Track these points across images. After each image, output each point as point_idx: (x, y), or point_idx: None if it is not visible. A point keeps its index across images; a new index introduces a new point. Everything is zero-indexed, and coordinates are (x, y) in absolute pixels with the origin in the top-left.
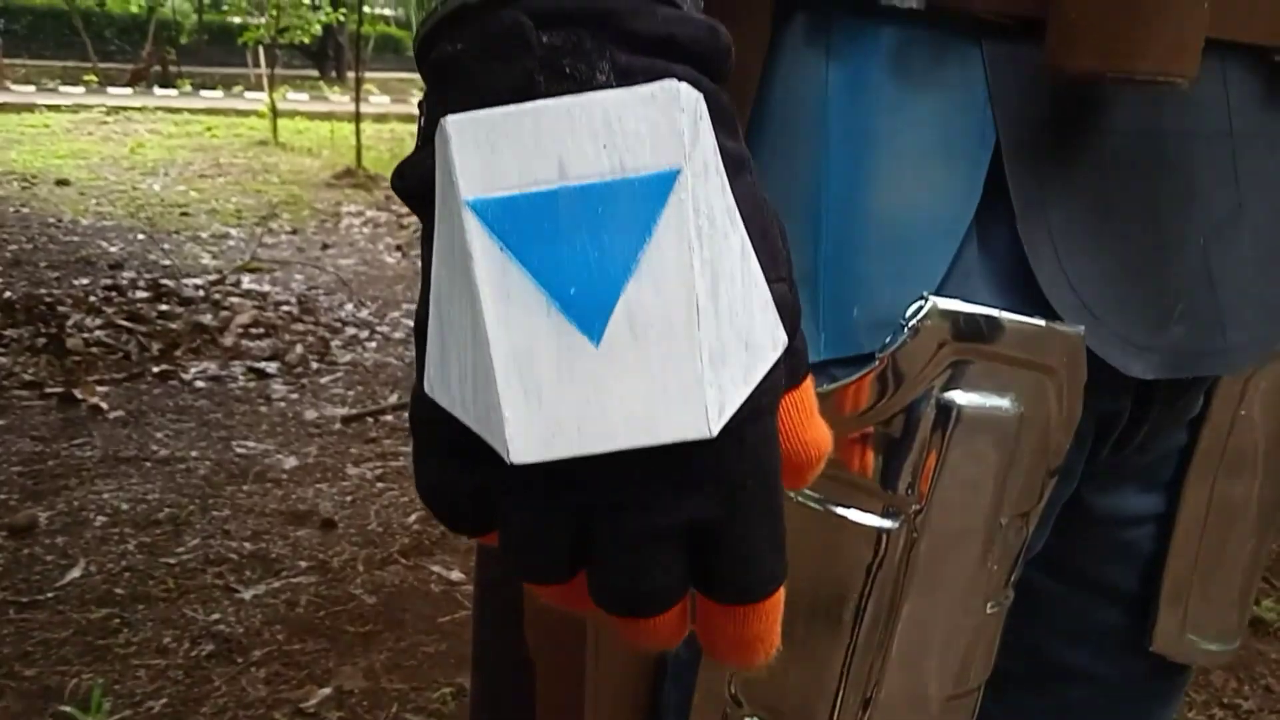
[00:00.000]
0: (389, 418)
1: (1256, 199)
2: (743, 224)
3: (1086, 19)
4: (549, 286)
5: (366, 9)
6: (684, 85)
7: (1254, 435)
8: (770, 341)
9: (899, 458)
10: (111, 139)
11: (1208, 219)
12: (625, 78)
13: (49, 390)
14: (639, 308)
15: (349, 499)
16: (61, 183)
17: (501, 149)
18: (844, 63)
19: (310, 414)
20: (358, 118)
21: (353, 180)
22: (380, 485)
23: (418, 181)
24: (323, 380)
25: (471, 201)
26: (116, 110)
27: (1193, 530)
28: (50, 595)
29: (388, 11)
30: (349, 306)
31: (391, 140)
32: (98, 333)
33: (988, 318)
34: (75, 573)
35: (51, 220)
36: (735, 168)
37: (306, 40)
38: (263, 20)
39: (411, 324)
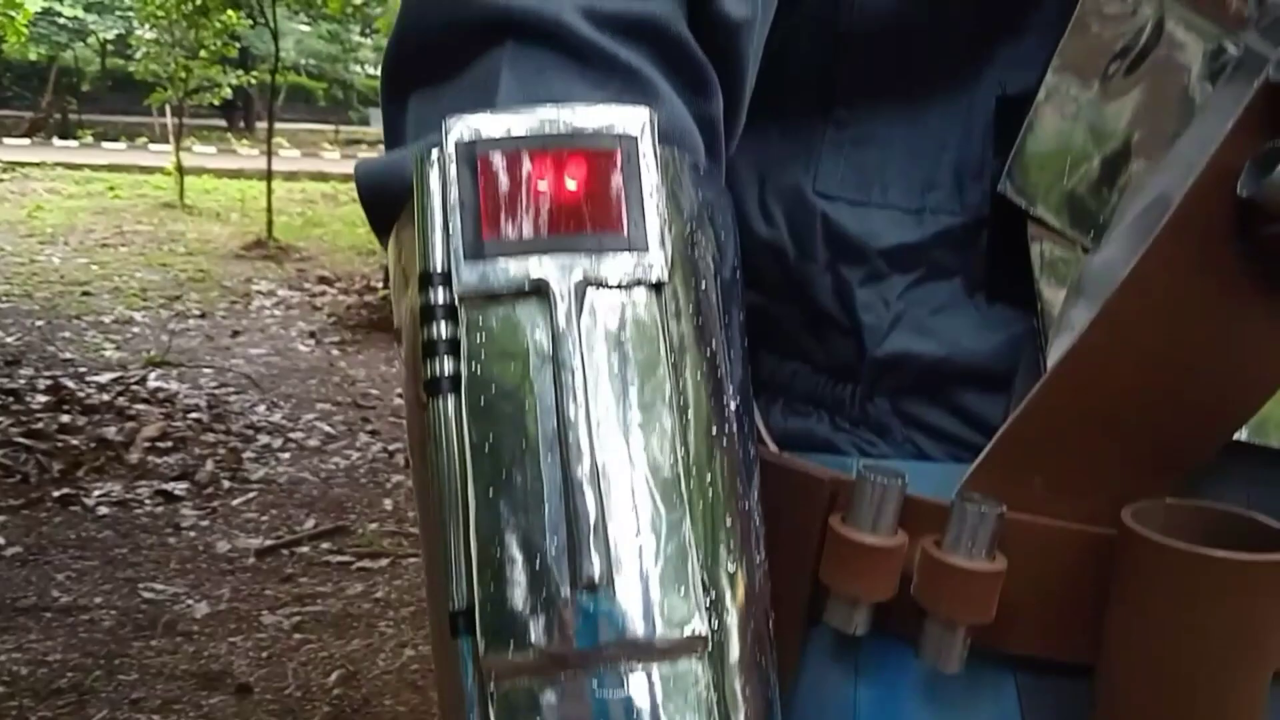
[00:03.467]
0: (305, 549)
1: None
2: None
3: None
4: None
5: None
6: None
7: None
8: None
9: None
10: (8, 199)
11: None
12: None
13: None
14: None
15: (265, 654)
16: None
17: None
18: (873, 685)
19: (222, 545)
20: (269, 185)
21: (263, 252)
22: (298, 637)
23: None
24: (235, 502)
25: None
26: (13, 166)
27: None
28: None
29: (300, 60)
30: (261, 409)
31: (303, 201)
32: None
33: None
34: None
35: None
36: None
37: (216, 103)
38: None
39: (327, 427)
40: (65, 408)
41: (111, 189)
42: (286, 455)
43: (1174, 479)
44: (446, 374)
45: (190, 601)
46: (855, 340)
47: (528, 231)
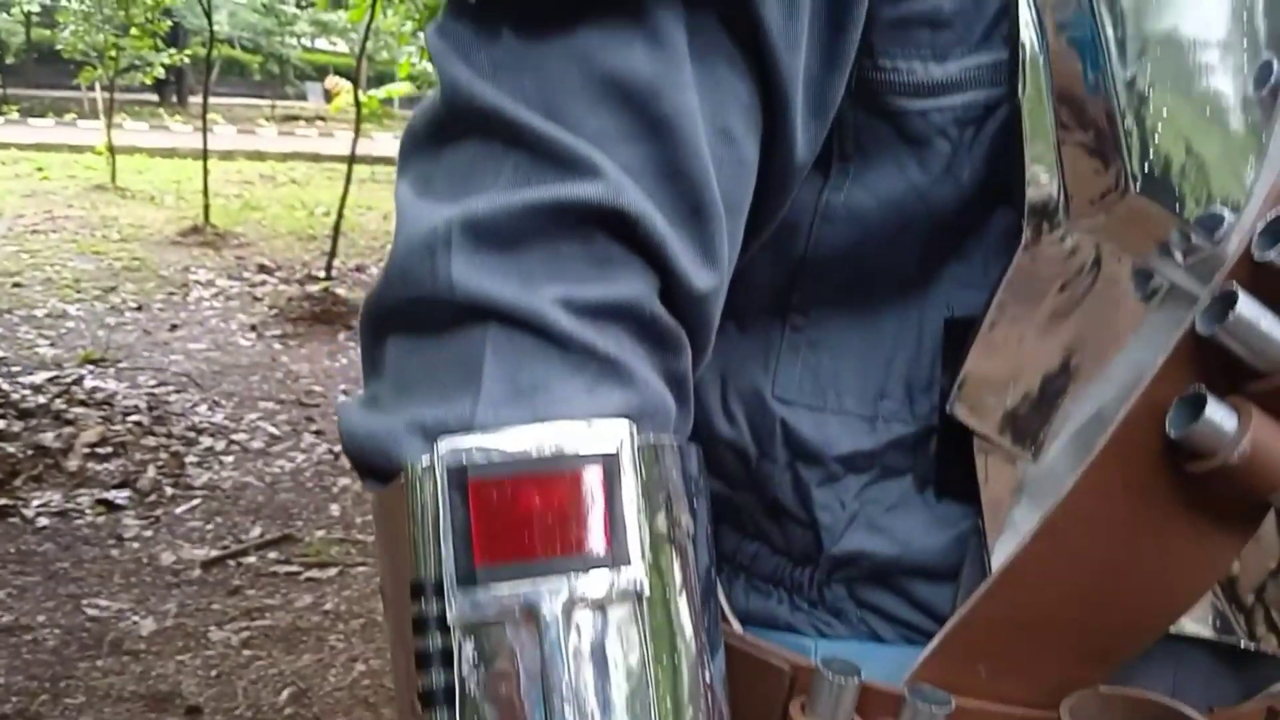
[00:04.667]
0: (252, 559)
1: None
2: None
3: None
4: None
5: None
6: None
7: None
8: None
9: None
10: None
11: None
12: None
13: None
14: None
15: (214, 673)
16: None
17: None
18: None
19: (167, 557)
20: (205, 166)
21: (200, 238)
22: (247, 653)
23: None
24: (178, 510)
25: None
26: None
27: None
28: None
29: (234, 34)
30: (202, 409)
31: (240, 182)
32: None
33: None
34: None
35: None
36: None
37: (148, 82)
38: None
39: (270, 427)
40: (0, 412)
41: (40, 170)
42: (230, 459)
43: (1108, 668)
44: (440, 686)
45: (136, 618)
46: (813, 534)
47: (517, 555)
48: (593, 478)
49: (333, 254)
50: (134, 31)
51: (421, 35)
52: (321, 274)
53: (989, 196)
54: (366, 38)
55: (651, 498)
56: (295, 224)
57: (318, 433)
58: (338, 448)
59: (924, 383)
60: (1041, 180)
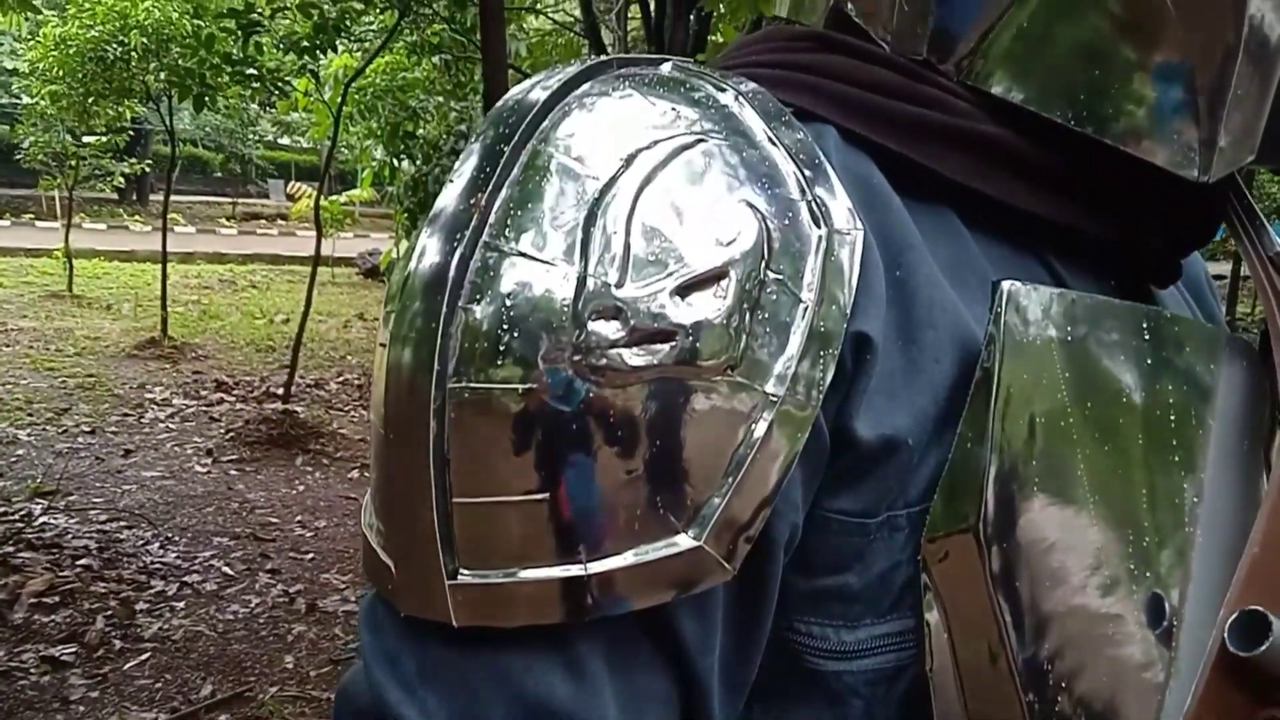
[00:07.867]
0: None
1: None
2: None
3: None
4: None
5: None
6: None
7: None
8: None
9: None
10: None
11: None
12: None
13: None
14: None
15: None
16: None
17: None
18: None
19: None
20: (164, 273)
21: (157, 351)
22: None
23: None
24: (127, 666)
25: None
26: None
27: None
28: None
29: (196, 135)
30: (154, 547)
31: (198, 288)
32: None
33: None
34: None
35: None
36: None
37: (108, 190)
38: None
39: (224, 567)
40: None
41: None
42: (181, 604)
43: None
44: None
45: None
46: None
47: None
48: None
49: (292, 372)
50: (92, 140)
51: (382, 150)
52: (280, 390)
53: None
54: (331, 155)
55: None
56: (254, 333)
57: (272, 572)
58: (293, 589)
59: None
60: None
